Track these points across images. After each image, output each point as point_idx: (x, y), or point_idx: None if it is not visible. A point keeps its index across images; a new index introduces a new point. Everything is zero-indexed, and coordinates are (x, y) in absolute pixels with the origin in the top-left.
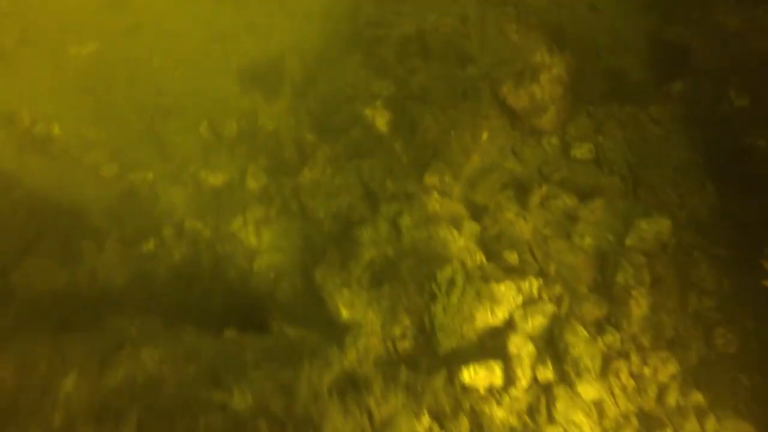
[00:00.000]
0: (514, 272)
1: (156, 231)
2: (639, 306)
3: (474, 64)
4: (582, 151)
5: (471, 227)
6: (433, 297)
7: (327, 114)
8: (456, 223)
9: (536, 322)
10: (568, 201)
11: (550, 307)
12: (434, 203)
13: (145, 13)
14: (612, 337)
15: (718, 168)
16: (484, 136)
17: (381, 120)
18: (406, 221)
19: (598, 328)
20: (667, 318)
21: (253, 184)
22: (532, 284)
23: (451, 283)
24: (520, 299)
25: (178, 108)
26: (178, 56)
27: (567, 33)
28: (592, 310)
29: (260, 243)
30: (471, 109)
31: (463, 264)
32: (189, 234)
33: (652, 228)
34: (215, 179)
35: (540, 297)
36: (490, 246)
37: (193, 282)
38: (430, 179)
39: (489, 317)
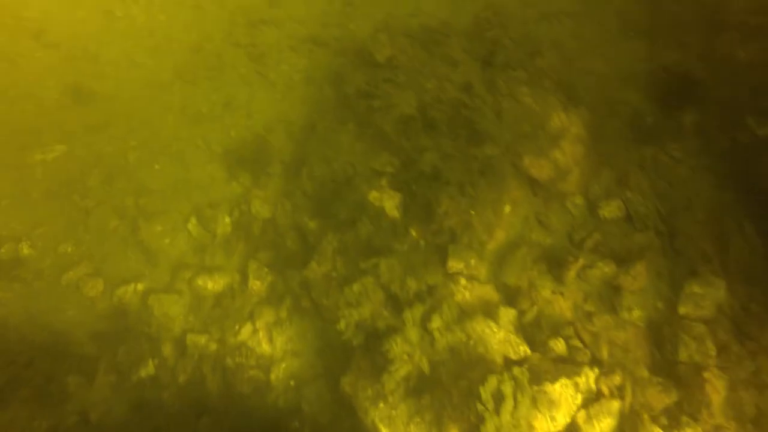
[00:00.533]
0: (565, 364)
1: (154, 351)
2: (716, 390)
3: (490, 139)
4: (611, 210)
5: (507, 314)
6: (481, 419)
7: (326, 196)
8: (490, 312)
9: (603, 425)
10: (606, 269)
11: (615, 404)
12: (463, 291)
13: (113, 105)
14: (692, 431)
15: (752, 203)
16: (507, 209)
17: (390, 203)
18: (436, 323)
19: (672, 420)
20: (745, 394)
21: (257, 283)
22: (588, 377)
23: (499, 396)
24: (579, 398)
25: (161, 206)
26: (155, 147)
27: (578, 88)
28: (660, 397)
29: (274, 349)
30: (491, 185)
31: (506, 363)
32: (193, 350)
33: (705, 290)
34: (214, 283)
35: (600, 391)
36: (532, 333)
37: (203, 407)
38: (455, 264)
39: (550, 425)
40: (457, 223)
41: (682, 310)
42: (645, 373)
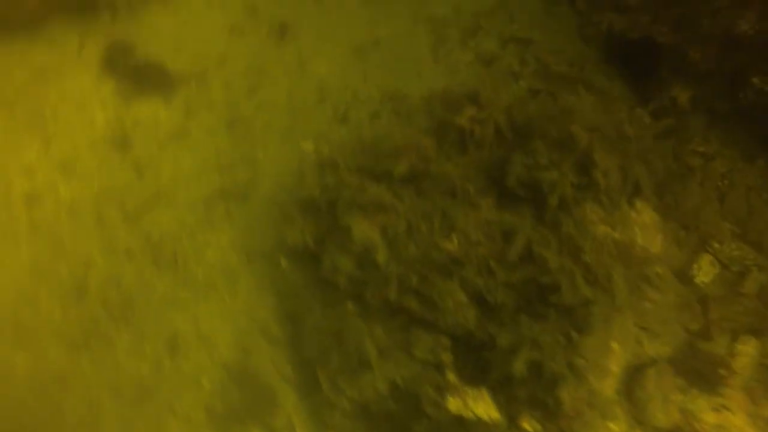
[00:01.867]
0: None
1: None
2: None
3: (586, 306)
4: (705, 271)
5: None
6: None
7: (384, 415)
8: None
9: None
10: (749, 349)
11: None
12: None
13: None
14: None
15: None
16: (615, 346)
17: (481, 405)
18: None
19: None
20: None
21: None
22: None
23: None
24: None
25: None
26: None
27: (636, 168)
28: None
29: None
30: (597, 340)
31: None
32: None
33: None
34: None
35: None
36: None
37: None
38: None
39: None
40: (580, 404)
41: None
42: None
